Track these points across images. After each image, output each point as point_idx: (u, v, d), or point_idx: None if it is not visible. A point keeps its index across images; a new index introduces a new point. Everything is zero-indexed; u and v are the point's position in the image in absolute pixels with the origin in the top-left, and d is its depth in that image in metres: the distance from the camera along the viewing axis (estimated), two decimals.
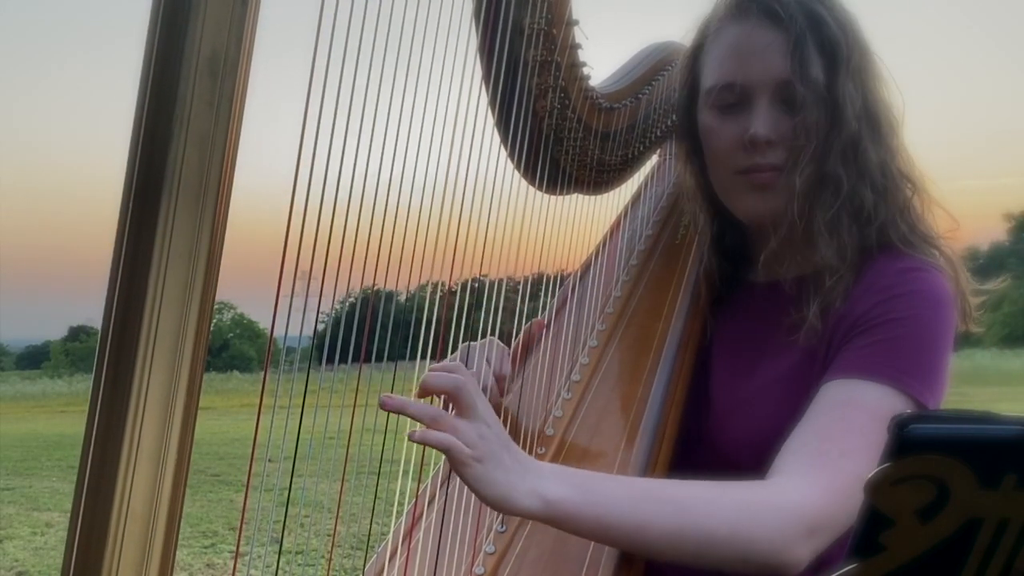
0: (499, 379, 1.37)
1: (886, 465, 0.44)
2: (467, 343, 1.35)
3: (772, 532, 1.08)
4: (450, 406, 1.05)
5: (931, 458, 0.43)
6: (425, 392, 1.04)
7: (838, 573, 0.46)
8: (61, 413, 19.83)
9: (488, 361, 1.36)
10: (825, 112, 1.26)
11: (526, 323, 1.49)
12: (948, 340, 1.24)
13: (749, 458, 1.19)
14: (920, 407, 1.19)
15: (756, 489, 1.13)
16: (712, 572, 1.30)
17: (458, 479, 1.24)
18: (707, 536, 1.08)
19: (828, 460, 1.13)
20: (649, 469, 1.26)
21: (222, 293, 0.72)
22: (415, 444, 1.03)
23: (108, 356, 0.67)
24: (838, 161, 1.27)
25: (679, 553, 1.09)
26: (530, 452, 1.31)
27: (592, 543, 1.15)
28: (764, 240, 1.36)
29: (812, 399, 1.21)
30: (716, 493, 1.11)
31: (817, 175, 1.27)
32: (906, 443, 0.44)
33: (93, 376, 0.67)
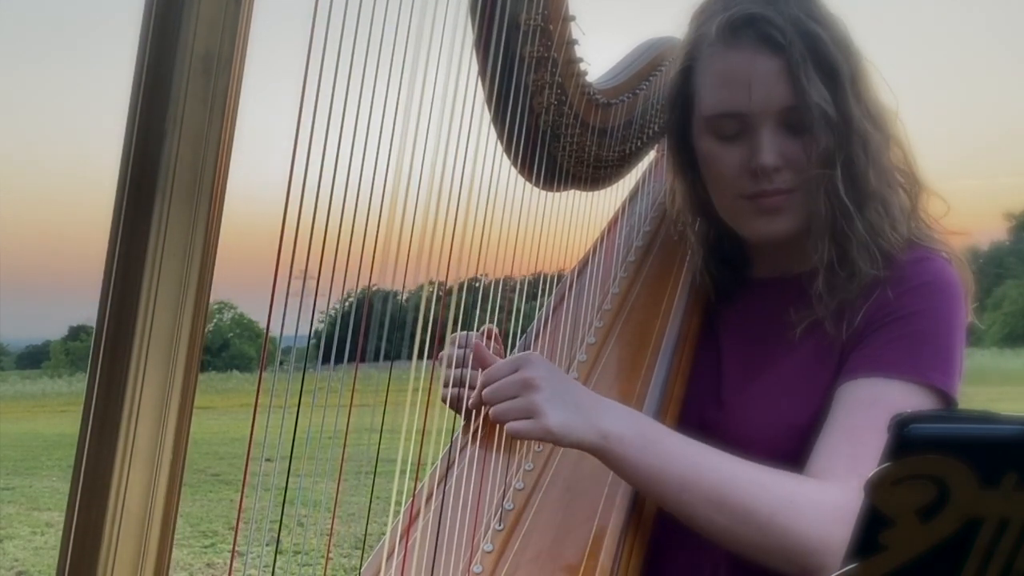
0: None
1: (886, 465, 0.43)
2: (455, 337, 1.36)
3: (810, 529, 1.09)
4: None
5: (931, 458, 0.43)
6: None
7: (838, 573, 0.46)
8: (61, 413, 19.83)
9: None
10: (835, 132, 1.25)
11: (524, 322, 1.49)
12: (963, 327, 1.26)
13: (762, 452, 1.19)
14: (944, 397, 1.21)
15: (802, 483, 1.15)
16: (714, 567, 1.30)
17: (455, 476, 1.24)
18: (746, 513, 1.11)
19: (861, 464, 1.13)
20: None
21: (222, 293, 0.72)
22: (412, 444, 1.05)
23: (103, 355, 0.66)
24: (869, 176, 1.27)
25: (714, 523, 1.12)
26: (527, 450, 1.31)
27: (589, 544, 1.15)
28: (766, 246, 1.36)
29: (835, 397, 1.23)
30: (766, 477, 1.14)
31: (847, 192, 1.27)
32: (906, 443, 0.43)
33: (88, 375, 0.67)
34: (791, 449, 1.21)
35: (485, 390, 1.19)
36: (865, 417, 1.18)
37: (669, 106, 1.41)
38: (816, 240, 1.29)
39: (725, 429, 1.36)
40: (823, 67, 1.25)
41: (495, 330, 1.40)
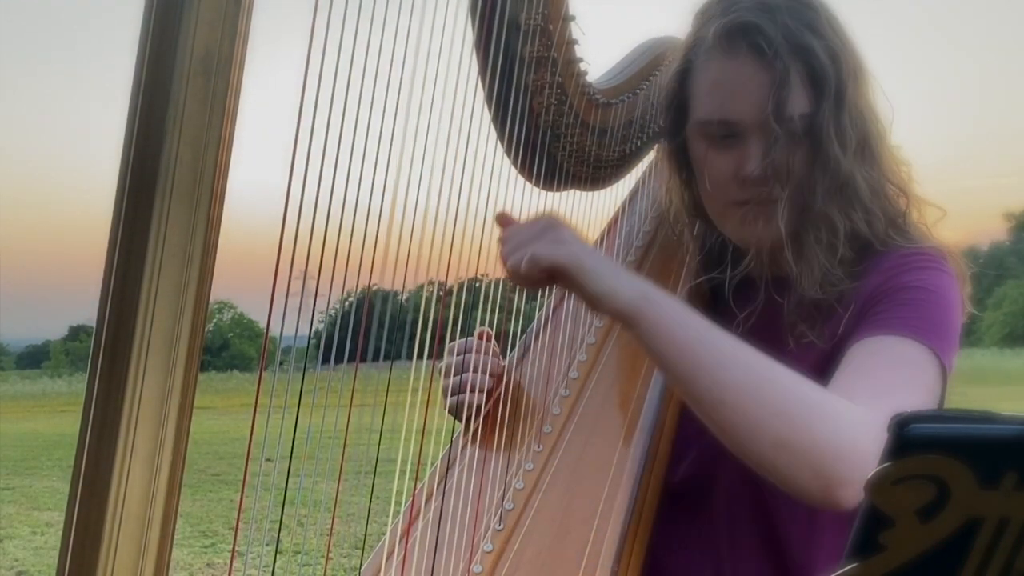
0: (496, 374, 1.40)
1: (886, 465, 0.43)
2: (454, 346, 1.36)
3: (842, 431, 1.04)
4: None
5: (931, 458, 0.43)
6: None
7: (838, 573, 0.46)
8: (61, 413, 19.83)
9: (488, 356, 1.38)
10: (806, 148, 1.25)
11: (524, 322, 1.49)
12: (958, 309, 1.26)
13: None
14: (940, 364, 1.19)
15: (838, 400, 1.10)
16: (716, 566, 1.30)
17: (455, 476, 1.23)
18: (781, 403, 1.05)
19: (882, 393, 1.11)
20: (647, 467, 1.26)
21: (223, 293, 0.72)
22: (412, 444, 1.04)
23: (103, 356, 0.66)
24: (828, 198, 1.26)
25: (743, 412, 1.06)
26: (527, 449, 1.31)
27: (588, 544, 1.15)
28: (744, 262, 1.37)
29: (842, 360, 1.20)
30: (796, 375, 1.08)
31: (807, 211, 1.27)
32: (906, 443, 0.43)
33: (88, 375, 0.67)
34: None
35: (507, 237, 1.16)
36: (875, 361, 1.17)
37: (665, 106, 1.40)
38: (759, 255, 1.30)
39: None
40: (811, 80, 1.24)
41: (490, 332, 1.40)
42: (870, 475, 1.07)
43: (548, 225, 1.14)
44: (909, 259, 1.27)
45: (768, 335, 1.34)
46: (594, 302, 1.11)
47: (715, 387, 1.08)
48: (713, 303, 1.48)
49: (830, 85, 1.24)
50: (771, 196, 1.28)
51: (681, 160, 1.41)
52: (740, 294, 1.46)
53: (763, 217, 1.29)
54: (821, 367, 1.26)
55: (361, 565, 1.18)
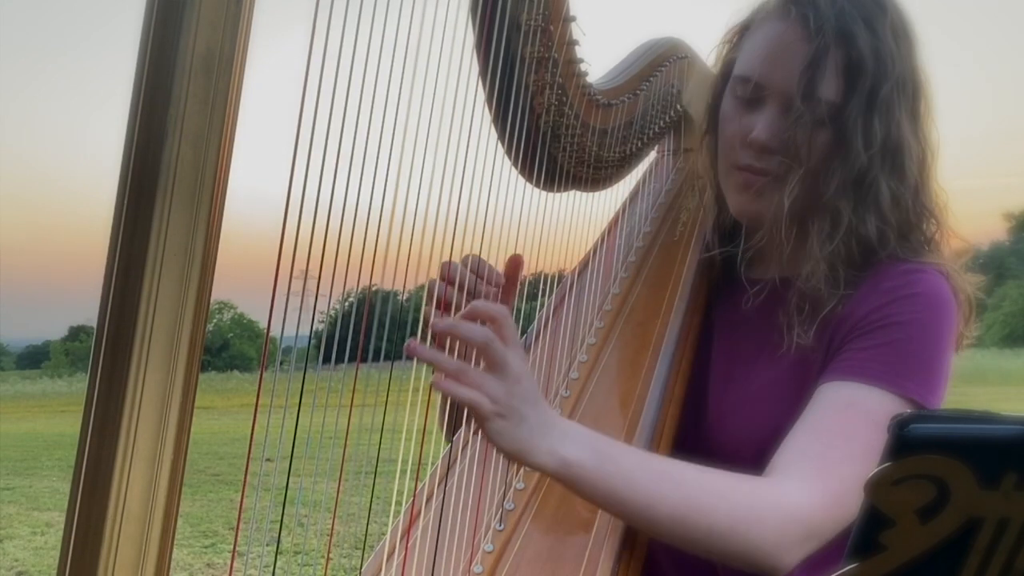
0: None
1: (886, 465, 0.43)
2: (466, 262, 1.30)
3: (770, 534, 1.10)
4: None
5: (931, 458, 0.43)
6: (456, 339, 1.08)
7: (838, 573, 0.46)
8: (61, 413, 19.81)
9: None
10: (826, 136, 1.24)
11: (524, 322, 1.49)
12: (949, 342, 1.24)
13: (747, 459, 1.19)
14: (921, 409, 1.19)
15: (762, 488, 1.14)
16: (712, 565, 1.30)
17: (456, 476, 1.23)
18: (709, 527, 1.10)
19: (828, 465, 1.13)
20: None
21: (222, 293, 0.72)
22: (412, 444, 1.04)
23: (104, 355, 0.67)
24: (840, 192, 1.25)
25: (679, 537, 1.12)
26: None
27: (589, 544, 1.15)
28: (756, 237, 1.36)
29: (812, 398, 1.21)
30: (727, 486, 1.13)
31: (812, 200, 1.26)
32: (906, 443, 0.43)
33: (88, 375, 0.67)
34: (771, 453, 1.20)
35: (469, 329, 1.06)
36: (838, 420, 1.17)
37: (718, 60, 1.41)
38: (777, 230, 1.29)
39: (708, 432, 1.36)
40: (847, 69, 1.23)
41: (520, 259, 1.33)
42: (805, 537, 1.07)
43: (501, 380, 1.04)
44: (909, 278, 1.25)
45: (768, 335, 1.33)
46: (510, 457, 1.09)
47: (649, 524, 1.12)
48: (724, 277, 1.48)
49: (865, 81, 1.23)
50: (776, 171, 1.27)
51: (713, 123, 1.41)
52: (737, 292, 1.45)
53: (758, 189, 1.29)
54: (807, 374, 1.25)
55: (361, 565, 1.18)
